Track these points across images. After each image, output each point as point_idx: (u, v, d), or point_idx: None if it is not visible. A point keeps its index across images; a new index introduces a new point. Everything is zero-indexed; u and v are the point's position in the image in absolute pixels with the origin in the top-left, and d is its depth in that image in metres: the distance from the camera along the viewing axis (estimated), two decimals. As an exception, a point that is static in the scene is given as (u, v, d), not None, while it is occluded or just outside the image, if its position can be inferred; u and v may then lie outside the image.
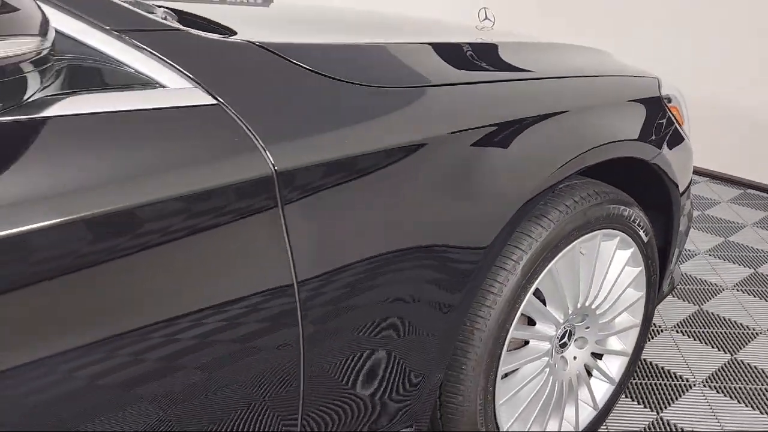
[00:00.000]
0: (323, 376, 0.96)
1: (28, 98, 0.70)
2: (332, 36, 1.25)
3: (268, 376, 0.89)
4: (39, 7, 0.71)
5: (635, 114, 1.44)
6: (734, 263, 2.46)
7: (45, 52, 0.69)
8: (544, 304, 1.34)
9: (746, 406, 1.69)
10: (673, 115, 1.55)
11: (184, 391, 0.80)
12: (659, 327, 1.91)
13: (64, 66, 0.77)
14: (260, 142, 0.83)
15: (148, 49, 0.82)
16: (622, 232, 1.41)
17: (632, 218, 1.41)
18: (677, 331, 1.88)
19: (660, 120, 1.48)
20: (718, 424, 1.63)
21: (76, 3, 0.79)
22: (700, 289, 2.24)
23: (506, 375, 1.33)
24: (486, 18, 2.24)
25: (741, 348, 1.86)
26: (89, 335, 0.71)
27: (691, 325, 1.96)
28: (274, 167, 0.83)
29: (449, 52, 1.24)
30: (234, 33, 1.01)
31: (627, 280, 1.49)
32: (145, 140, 0.77)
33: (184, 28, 0.91)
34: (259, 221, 0.83)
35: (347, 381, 1.00)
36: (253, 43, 0.94)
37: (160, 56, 0.82)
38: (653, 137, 1.44)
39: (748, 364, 1.83)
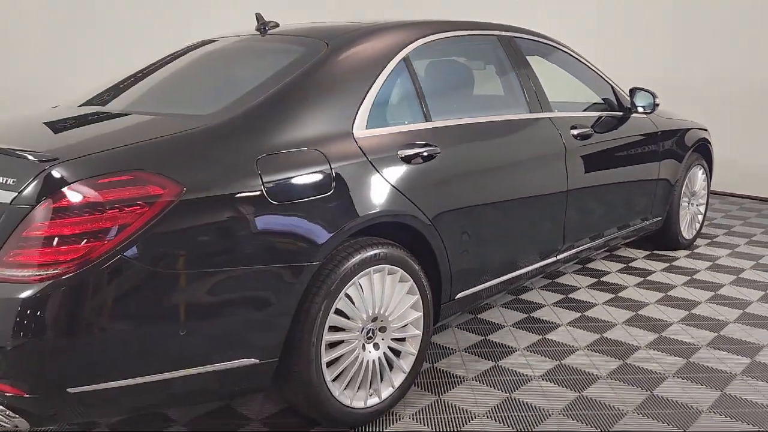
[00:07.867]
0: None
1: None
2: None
3: None
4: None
5: (704, 132, 4.63)
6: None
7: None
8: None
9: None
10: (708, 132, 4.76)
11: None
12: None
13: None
14: None
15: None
16: (702, 167, 4.57)
17: (704, 162, 4.58)
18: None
19: (707, 133, 4.68)
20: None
21: None
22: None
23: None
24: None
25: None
26: None
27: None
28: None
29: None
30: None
31: (704, 183, 4.65)
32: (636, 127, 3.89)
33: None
34: None
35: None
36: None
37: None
38: (707, 137, 4.64)
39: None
